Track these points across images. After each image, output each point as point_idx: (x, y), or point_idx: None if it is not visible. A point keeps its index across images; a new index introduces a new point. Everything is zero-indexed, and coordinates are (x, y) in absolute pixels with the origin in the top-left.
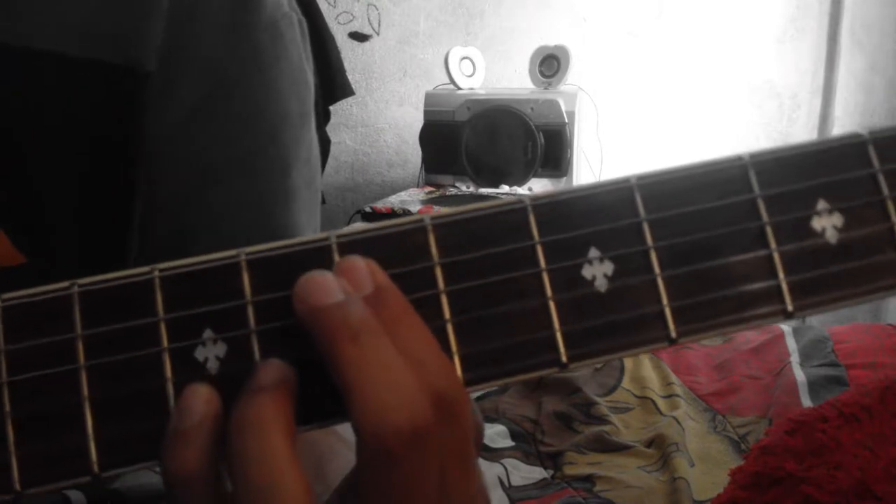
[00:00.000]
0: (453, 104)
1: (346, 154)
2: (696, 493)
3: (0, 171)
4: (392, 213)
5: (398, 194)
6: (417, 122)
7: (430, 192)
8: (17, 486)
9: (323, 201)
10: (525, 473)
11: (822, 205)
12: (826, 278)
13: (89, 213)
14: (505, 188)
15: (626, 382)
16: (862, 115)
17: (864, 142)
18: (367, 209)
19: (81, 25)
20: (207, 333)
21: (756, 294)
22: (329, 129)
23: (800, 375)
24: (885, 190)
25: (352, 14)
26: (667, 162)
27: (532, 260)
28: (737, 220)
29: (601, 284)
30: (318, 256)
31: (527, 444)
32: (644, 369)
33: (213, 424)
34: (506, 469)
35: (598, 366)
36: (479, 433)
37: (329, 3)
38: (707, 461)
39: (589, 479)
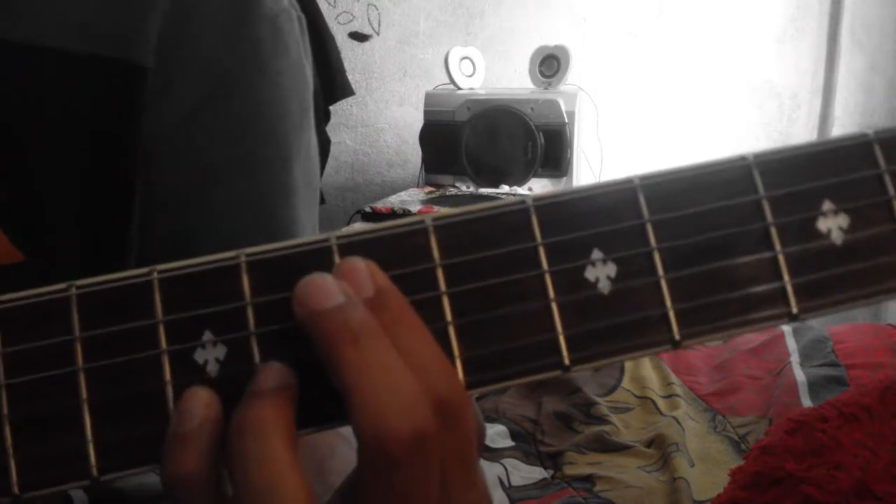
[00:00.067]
0: (453, 104)
1: (346, 154)
2: (696, 493)
3: (0, 167)
4: (392, 213)
5: (398, 194)
6: (417, 122)
7: (430, 192)
8: (16, 490)
9: (323, 201)
10: (525, 473)
11: (827, 205)
12: (831, 280)
13: (89, 211)
14: (505, 188)
15: (626, 382)
16: (862, 115)
17: (869, 142)
18: (367, 209)
19: (82, 22)
20: (207, 336)
21: (761, 296)
22: (329, 129)
23: (800, 375)
24: (892, 190)
25: (352, 14)
26: (667, 162)
27: (534, 261)
28: (741, 221)
29: (604, 286)
30: (319, 258)
31: (527, 444)
32: (644, 369)
33: (212, 428)
34: (506, 469)
35: None
36: (481, 435)
37: (329, 3)
38: (707, 461)
39: (589, 479)
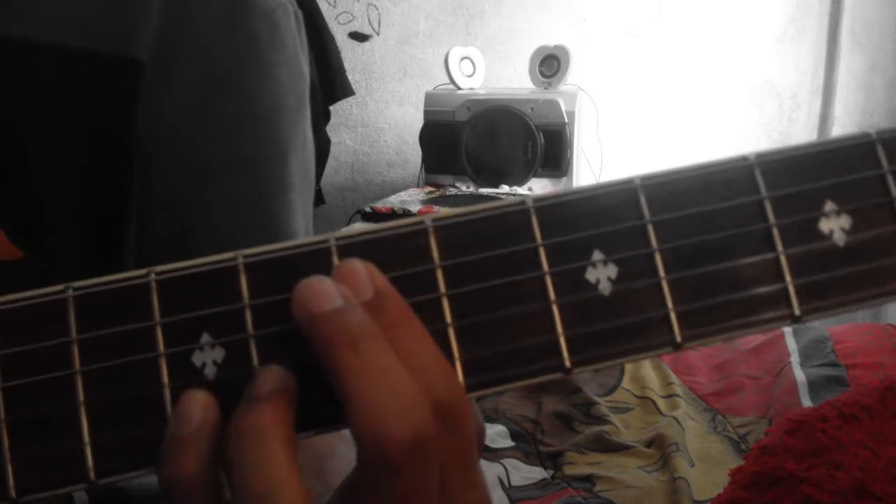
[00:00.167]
0: (453, 104)
1: (346, 154)
2: (696, 493)
3: (1, 166)
4: (392, 214)
5: (398, 194)
6: (417, 122)
7: (431, 193)
8: (13, 494)
9: (323, 201)
10: (525, 473)
11: (829, 206)
12: (834, 282)
13: (89, 210)
14: (505, 188)
15: (626, 382)
16: (862, 115)
17: (872, 142)
18: (367, 209)
19: (80, 18)
20: (205, 338)
21: (763, 298)
22: (329, 129)
23: (800, 375)
24: (894, 191)
25: (352, 14)
26: (667, 162)
27: (535, 262)
28: (743, 221)
29: (605, 288)
30: (317, 259)
31: (527, 444)
32: (644, 369)
33: (210, 431)
34: (506, 469)
35: None
36: (481, 436)
37: (329, 3)
38: (707, 461)
39: (589, 479)
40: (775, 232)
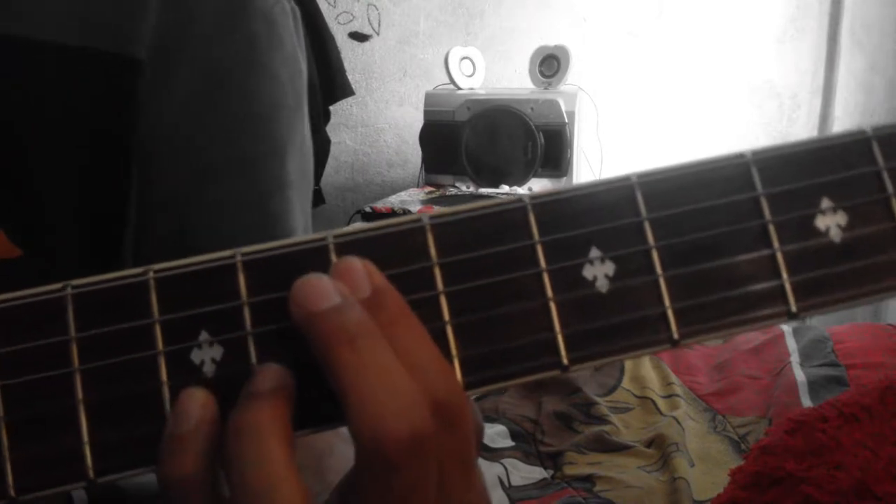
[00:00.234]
0: (453, 104)
1: (346, 154)
2: (696, 493)
3: (1, 165)
4: (392, 214)
5: (398, 194)
6: (417, 122)
7: (430, 192)
8: (12, 492)
9: (323, 201)
10: (525, 473)
11: (825, 203)
12: (830, 278)
13: (89, 209)
14: (505, 188)
15: (626, 382)
16: (862, 115)
17: (868, 139)
18: (367, 209)
19: (80, 17)
20: (203, 336)
21: (759, 295)
22: (329, 129)
23: (800, 375)
24: (890, 188)
25: (352, 14)
26: (667, 162)
27: (532, 260)
28: (739, 218)
29: (602, 285)
30: (315, 257)
31: (527, 444)
32: (644, 369)
33: (209, 429)
34: (506, 469)
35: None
36: (479, 434)
37: (329, 3)
38: (707, 461)
39: (589, 479)
40: (772, 229)
